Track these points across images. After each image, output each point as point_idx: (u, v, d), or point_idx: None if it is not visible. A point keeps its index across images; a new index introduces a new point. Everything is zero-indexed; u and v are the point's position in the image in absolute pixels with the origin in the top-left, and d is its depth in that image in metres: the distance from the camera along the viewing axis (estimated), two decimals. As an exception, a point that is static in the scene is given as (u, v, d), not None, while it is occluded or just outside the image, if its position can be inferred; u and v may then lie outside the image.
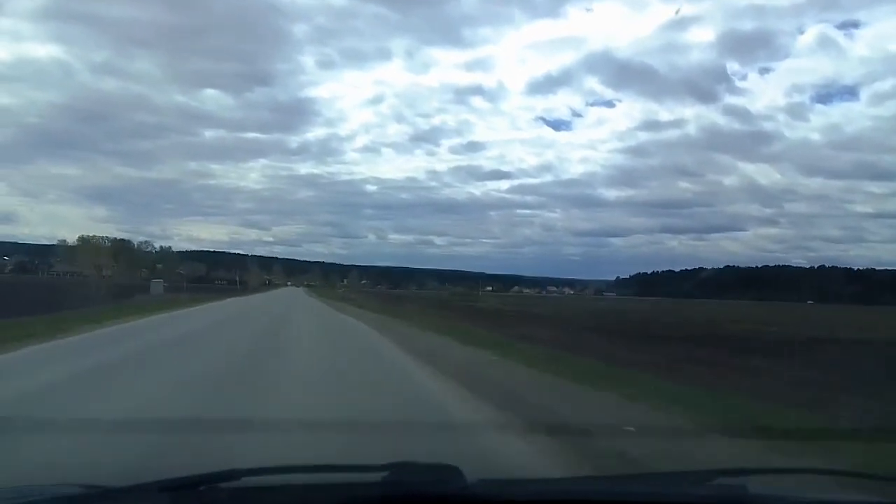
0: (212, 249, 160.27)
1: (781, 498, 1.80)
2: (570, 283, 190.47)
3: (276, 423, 5.75)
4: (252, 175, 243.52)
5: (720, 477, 1.89)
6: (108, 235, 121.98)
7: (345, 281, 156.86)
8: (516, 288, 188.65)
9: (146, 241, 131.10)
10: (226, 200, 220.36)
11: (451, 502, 1.54)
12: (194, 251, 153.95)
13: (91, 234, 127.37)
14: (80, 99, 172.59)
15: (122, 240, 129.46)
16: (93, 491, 1.60)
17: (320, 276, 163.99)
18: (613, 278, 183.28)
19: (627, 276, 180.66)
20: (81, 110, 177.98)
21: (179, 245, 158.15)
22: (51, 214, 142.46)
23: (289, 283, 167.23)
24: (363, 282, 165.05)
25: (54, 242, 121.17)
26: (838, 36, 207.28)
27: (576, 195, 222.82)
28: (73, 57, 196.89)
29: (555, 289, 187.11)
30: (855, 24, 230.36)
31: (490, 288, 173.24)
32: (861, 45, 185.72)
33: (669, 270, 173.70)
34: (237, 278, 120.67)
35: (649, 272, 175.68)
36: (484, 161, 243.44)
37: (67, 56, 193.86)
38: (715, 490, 1.77)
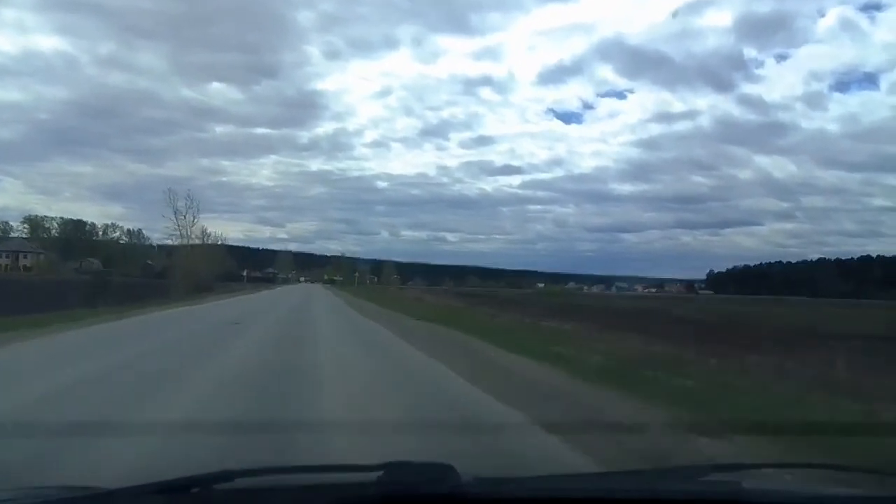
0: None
1: (777, 493, 1.75)
2: (601, 279, 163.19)
3: None
4: (263, 172, 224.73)
5: (714, 472, 1.87)
6: (62, 216, 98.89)
7: (377, 278, 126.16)
8: (572, 284, 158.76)
9: (113, 225, 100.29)
10: (238, 197, 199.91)
11: (446, 501, 1.51)
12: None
13: (41, 215, 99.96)
14: (88, 94, 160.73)
15: (80, 221, 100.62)
16: (83, 493, 1.56)
17: (337, 271, 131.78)
18: (705, 274, 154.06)
19: (723, 271, 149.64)
20: (90, 106, 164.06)
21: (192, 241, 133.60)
22: (67, 213, 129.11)
23: (302, 279, 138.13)
24: (395, 276, 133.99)
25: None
26: (860, 19, 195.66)
27: (588, 190, 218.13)
28: (79, 49, 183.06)
29: (625, 286, 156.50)
30: (877, 6, 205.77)
31: (541, 284, 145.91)
32: (884, 30, 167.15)
33: (779, 262, 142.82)
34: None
35: (752, 265, 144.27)
36: (494, 156, 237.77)
37: (73, 49, 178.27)
38: (709, 486, 1.74)
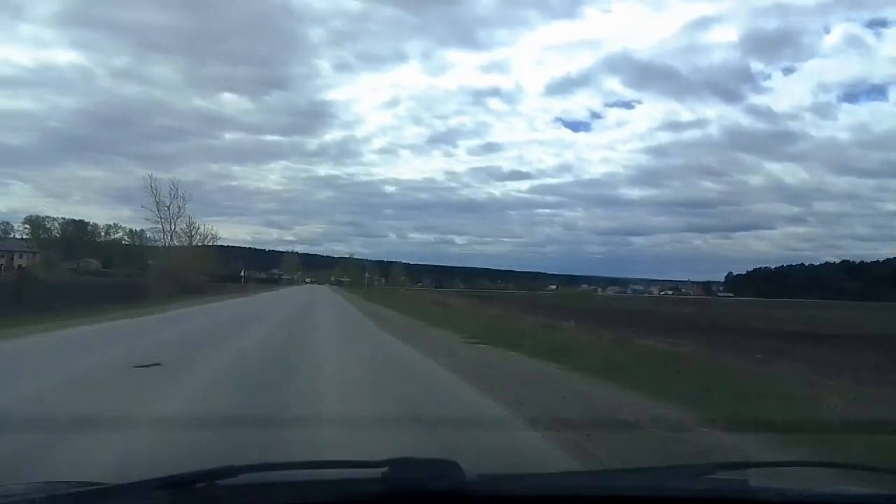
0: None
1: (783, 491, 1.71)
2: (601, 281, 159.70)
3: None
4: (272, 177, 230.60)
5: (720, 470, 1.86)
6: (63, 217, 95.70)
7: (384, 280, 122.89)
8: (584, 286, 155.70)
9: (115, 225, 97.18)
10: (247, 201, 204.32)
11: (449, 497, 1.50)
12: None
13: (43, 215, 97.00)
14: (101, 104, 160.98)
15: (82, 221, 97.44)
16: (89, 489, 1.54)
17: (345, 272, 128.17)
18: (716, 276, 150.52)
19: (742, 273, 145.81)
20: (104, 115, 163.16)
21: (178, 236, 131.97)
22: (75, 215, 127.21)
23: (308, 280, 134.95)
24: (403, 278, 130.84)
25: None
26: (866, 35, 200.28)
27: (597, 195, 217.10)
28: (94, 63, 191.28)
29: (640, 288, 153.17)
30: (883, 23, 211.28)
31: (554, 286, 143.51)
32: (890, 44, 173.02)
33: (801, 265, 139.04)
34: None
35: (773, 268, 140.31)
36: (503, 162, 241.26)
37: (88, 62, 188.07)
38: (715, 484, 1.72)
